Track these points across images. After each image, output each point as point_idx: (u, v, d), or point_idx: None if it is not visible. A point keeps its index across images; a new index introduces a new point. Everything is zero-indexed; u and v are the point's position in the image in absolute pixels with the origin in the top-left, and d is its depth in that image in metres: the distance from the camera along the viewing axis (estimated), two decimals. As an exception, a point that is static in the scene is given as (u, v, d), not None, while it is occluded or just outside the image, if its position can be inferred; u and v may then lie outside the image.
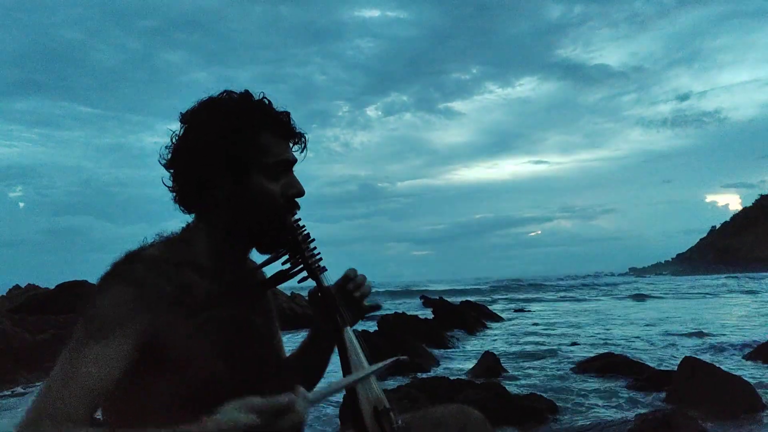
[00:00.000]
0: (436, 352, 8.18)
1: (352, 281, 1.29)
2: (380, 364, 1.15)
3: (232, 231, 1.21)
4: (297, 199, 1.24)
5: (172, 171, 1.22)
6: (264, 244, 1.24)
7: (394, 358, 1.20)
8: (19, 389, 6.52)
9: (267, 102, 1.21)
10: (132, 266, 1.09)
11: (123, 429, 1.02)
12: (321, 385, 1.42)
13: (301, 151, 1.26)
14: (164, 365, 1.08)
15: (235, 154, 1.17)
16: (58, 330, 7.67)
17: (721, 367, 4.88)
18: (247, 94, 1.21)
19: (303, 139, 1.25)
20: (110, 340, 1.02)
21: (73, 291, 10.10)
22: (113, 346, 1.02)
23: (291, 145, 1.24)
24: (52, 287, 11.44)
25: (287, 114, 1.23)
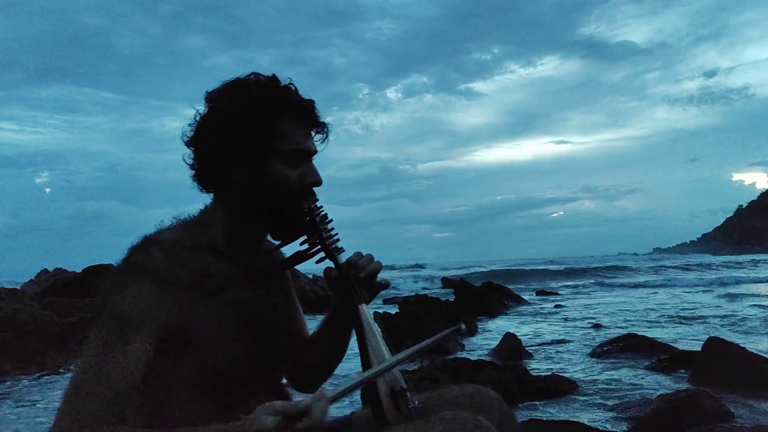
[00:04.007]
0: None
1: (354, 265, 1.27)
2: (407, 352, 1.17)
3: (248, 213, 1.22)
4: (314, 188, 1.24)
5: (193, 149, 1.23)
6: (278, 230, 1.25)
7: (415, 348, 1.21)
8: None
9: (292, 88, 1.22)
10: (147, 256, 1.10)
11: (159, 430, 1.04)
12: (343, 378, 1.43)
13: (323, 141, 1.26)
14: (186, 349, 1.11)
15: (254, 138, 1.17)
16: (85, 313, 7.83)
17: (747, 347, 4.82)
18: (273, 79, 1.21)
19: (325, 129, 1.26)
20: (135, 340, 1.04)
21: (99, 275, 10.27)
22: (137, 345, 1.05)
23: (313, 134, 1.25)
24: (79, 271, 11.65)
25: (311, 102, 1.23)
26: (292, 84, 1.22)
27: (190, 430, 0.99)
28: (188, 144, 1.23)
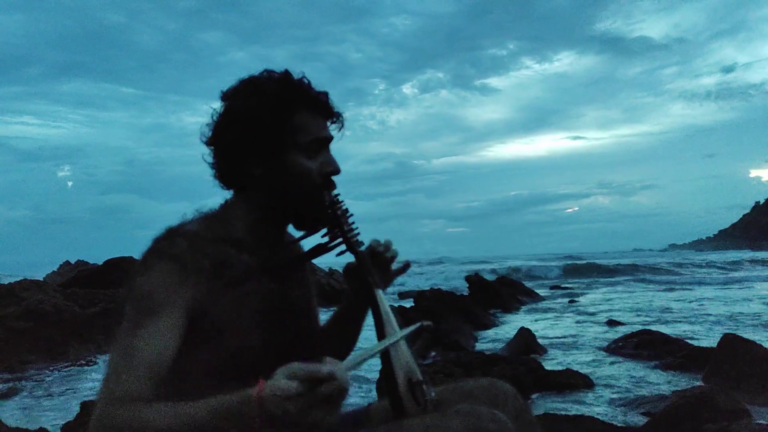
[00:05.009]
0: (471, 328, 8.21)
1: (377, 243, 1.32)
2: (408, 329, 1.20)
3: (269, 208, 1.24)
4: (333, 177, 1.26)
5: (212, 148, 1.26)
6: (301, 222, 1.27)
7: (419, 324, 1.24)
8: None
9: (306, 81, 1.24)
10: (172, 243, 1.13)
11: (182, 402, 0.99)
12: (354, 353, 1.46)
13: (339, 131, 1.28)
14: (205, 335, 1.13)
15: (272, 133, 1.19)
16: (107, 304, 7.94)
17: (763, 344, 4.78)
18: (286, 74, 1.24)
19: (340, 118, 1.28)
20: (162, 316, 1.07)
21: (119, 267, 10.41)
22: (166, 321, 1.07)
23: (329, 124, 1.27)
24: (100, 263, 11.79)
25: (325, 94, 1.25)
26: (305, 78, 1.24)
27: (212, 400, 0.96)
28: (207, 143, 1.26)
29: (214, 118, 1.24)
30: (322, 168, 1.23)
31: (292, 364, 0.90)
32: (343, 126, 1.29)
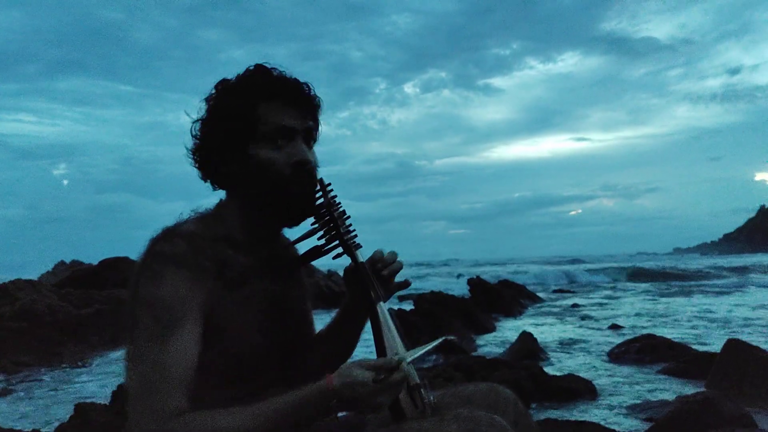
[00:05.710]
0: (472, 331, 8.16)
1: (380, 261, 1.28)
2: (434, 342, 1.23)
3: (257, 205, 1.22)
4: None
5: (191, 151, 1.26)
6: (285, 216, 1.23)
7: (442, 338, 1.32)
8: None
9: (271, 71, 1.20)
10: (171, 244, 1.11)
11: (239, 408, 1.05)
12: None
13: (312, 118, 1.23)
14: (209, 337, 1.12)
15: (234, 127, 1.18)
16: (101, 305, 7.92)
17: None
18: (254, 67, 1.22)
19: (311, 104, 1.22)
20: (184, 327, 1.07)
21: (115, 267, 10.41)
22: (189, 333, 1.07)
23: (302, 113, 1.21)
24: (96, 263, 11.78)
25: (294, 81, 1.20)
26: (275, 69, 1.21)
27: (290, 397, 1.05)
28: (191, 148, 1.26)
29: (194, 123, 1.25)
30: (288, 158, 1.19)
31: (362, 359, 1.08)
32: (316, 112, 1.24)
